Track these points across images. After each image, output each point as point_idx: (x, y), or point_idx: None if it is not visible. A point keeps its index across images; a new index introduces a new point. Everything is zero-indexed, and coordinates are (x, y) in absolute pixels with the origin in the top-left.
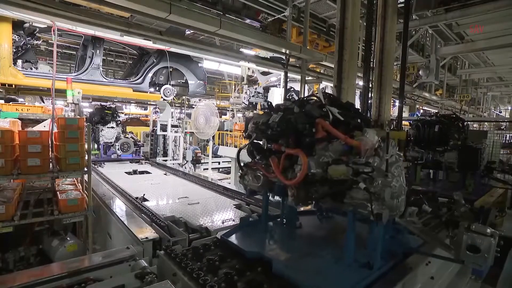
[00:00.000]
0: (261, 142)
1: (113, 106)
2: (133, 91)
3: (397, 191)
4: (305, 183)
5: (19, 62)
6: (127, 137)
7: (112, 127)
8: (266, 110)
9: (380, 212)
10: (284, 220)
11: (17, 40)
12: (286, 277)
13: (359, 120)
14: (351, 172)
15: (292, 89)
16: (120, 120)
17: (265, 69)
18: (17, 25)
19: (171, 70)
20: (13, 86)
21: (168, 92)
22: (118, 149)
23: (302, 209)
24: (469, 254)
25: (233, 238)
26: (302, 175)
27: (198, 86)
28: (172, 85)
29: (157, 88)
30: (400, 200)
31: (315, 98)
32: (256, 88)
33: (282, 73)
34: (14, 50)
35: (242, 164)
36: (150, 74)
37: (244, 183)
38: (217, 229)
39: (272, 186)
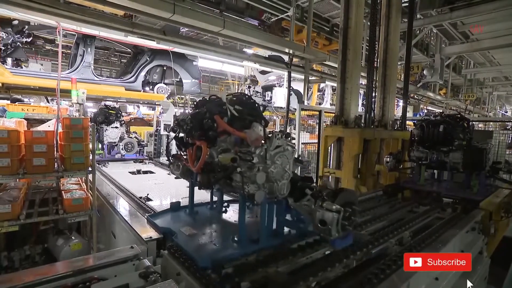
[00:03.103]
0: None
1: (117, 106)
2: (125, 89)
3: (274, 176)
4: (208, 170)
5: (9, 60)
6: (131, 137)
7: (116, 127)
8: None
9: (253, 193)
10: (214, 206)
11: (4, 37)
12: (179, 246)
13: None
14: (232, 158)
15: (292, 88)
16: (124, 120)
17: (268, 69)
18: (5, 22)
19: (165, 68)
20: (1, 84)
21: (162, 91)
22: (122, 149)
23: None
24: (320, 227)
25: (156, 218)
26: (202, 162)
27: (193, 85)
28: (166, 84)
29: (151, 87)
30: (280, 184)
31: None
32: (254, 88)
33: (286, 73)
34: (3, 48)
35: (170, 155)
36: (143, 73)
37: (171, 171)
38: None
39: (192, 174)
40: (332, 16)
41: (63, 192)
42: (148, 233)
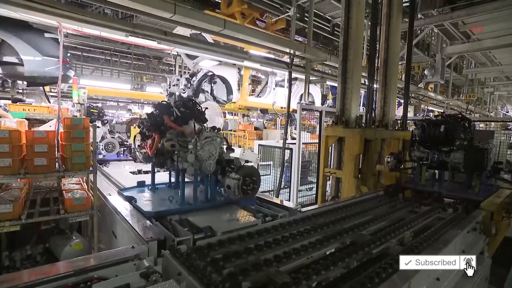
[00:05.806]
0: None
1: (99, 105)
2: None
3: (202, 157)
4: (161, 154)
5: None
6: (113, 137)
7: (98, 127)
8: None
9: (185, 168)
10: (173, 185)
11: None
12: (136, 206)
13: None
14: (171, 145)
15: (212, 73)
16: (107, 120)
17: (196, 53)
18: None
19: None
20: None
21: None
22: (102, 149)
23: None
24: (227, 190)
25: (124, 191)
26: (155, 148)
27: (44, 64)
28: (2, 63)
29: None
30: (207, 164)
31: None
32: (181, 76)
33: (278, 71)
34: None
35: (136, 145)
36: None
37: (137, 157)
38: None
39: (151, 159)
40: (333, 16)
41: (64, 192)
42: (149, 233)
